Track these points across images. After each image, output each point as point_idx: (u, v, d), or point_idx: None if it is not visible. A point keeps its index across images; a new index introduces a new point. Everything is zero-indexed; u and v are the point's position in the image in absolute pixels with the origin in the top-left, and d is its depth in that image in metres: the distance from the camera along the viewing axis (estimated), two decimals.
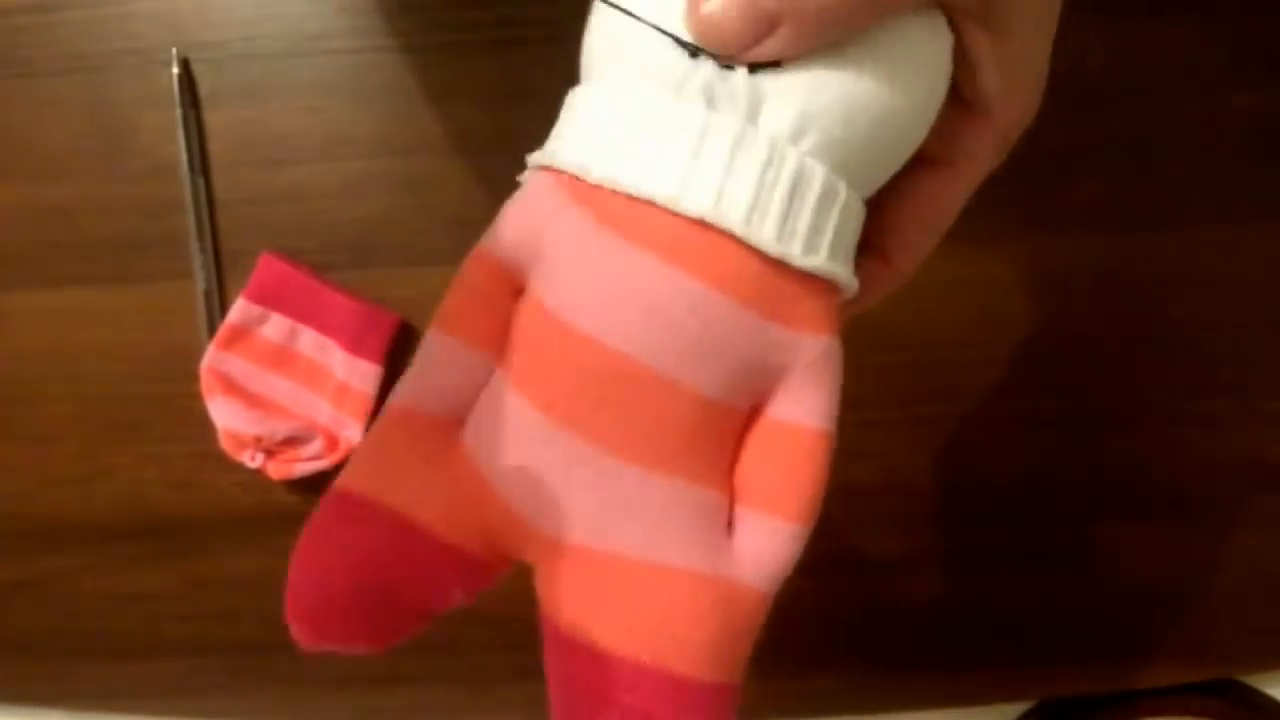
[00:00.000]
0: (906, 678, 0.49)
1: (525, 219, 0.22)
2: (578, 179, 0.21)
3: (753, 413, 0.22)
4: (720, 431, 0.22)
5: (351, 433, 0.48)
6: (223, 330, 0.48)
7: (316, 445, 0.48)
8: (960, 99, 0.24)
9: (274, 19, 0.47)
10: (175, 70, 0.47)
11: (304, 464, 0.48)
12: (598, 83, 0.22)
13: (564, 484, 0.21)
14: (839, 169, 0.21)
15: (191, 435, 0.49)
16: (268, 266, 0.48)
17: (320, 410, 0.48)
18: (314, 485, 0.48)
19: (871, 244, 0.25)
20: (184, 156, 0.47)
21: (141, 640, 0.50)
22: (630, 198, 0.20)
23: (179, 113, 0.47)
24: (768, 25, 0.20)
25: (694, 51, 0.20)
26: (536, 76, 0.45)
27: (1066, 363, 0.47)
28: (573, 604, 0.21)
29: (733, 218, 0.20)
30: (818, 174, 0.21)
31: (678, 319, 0.20)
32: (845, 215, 0.22)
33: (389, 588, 0.21)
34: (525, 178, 0.23)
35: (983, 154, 0.25)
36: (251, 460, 0.48)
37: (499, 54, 0.46)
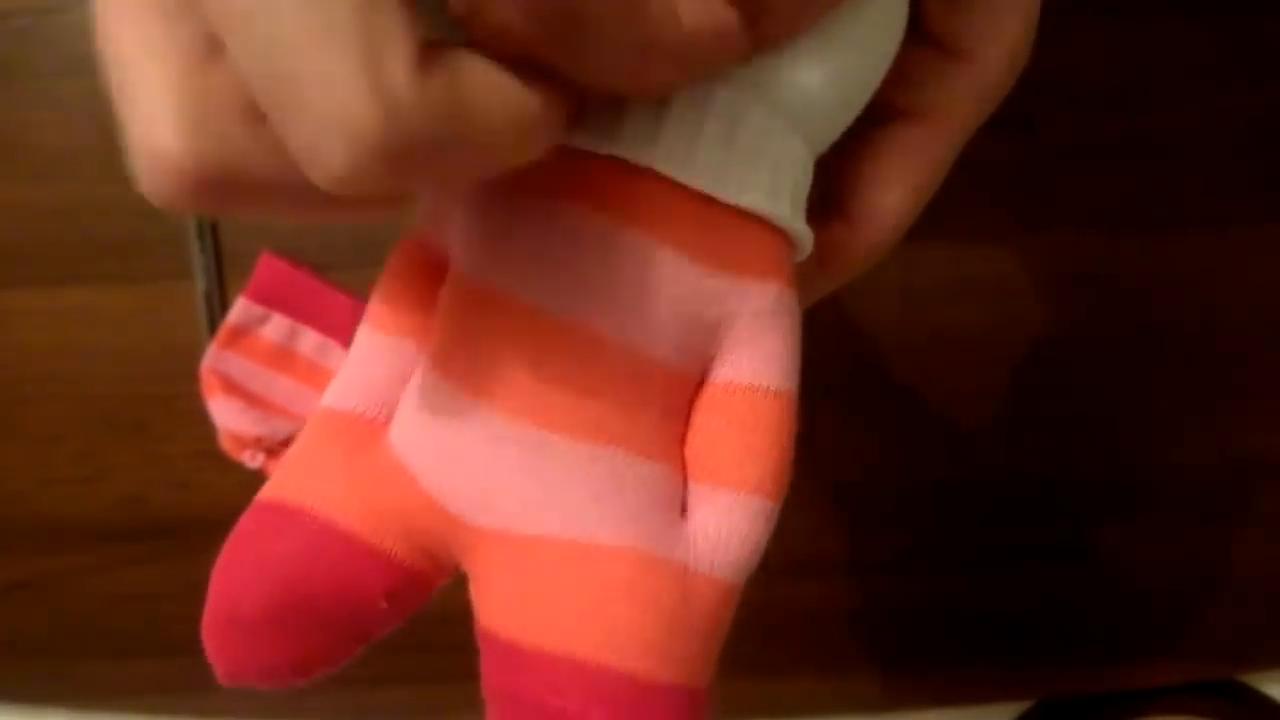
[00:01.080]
0: (907, 678, 0.49)
1: (444, 195, 0.20)
2: None
3: (699, 378, 0.20)
4: (665, 397, 0.19)
5: None
6: (223, 330, 0.48)
7: None
8: (934, 39, 0.21)
9: None
10: None
11: None
12: None
13: (487, 464, 0.19)
14: (775, 106, 0.19)
15: (192, 435, 0.49)
16: (268, 266, 0.48)
17: None
18: None
19: (840, 206, 0.23)
20: None
21: (141, 640, 0.50)
22: (558, 148, 0.18)
23: None
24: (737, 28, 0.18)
25: None
26: None
27: (1067, 363, 0.47)
28: (499, 600, 0.19)
29: (657, 156, 0.18)
30: (751, 111, 0.19)
31: (596, 265, 0.18)
32: (784, 155, 0.19)
33: (308, 598, 0.19)
34: None
35: (960, 106, 0.22)
36: (252, 460, 0.48)
37: None
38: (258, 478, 0.48)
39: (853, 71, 0.20)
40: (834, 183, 0.22)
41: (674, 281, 0.18)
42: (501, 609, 0.19)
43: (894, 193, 0.23)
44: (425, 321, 0.20)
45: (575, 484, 0.18)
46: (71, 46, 0.48)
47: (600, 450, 0.18)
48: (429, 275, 0.20)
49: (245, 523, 0.20)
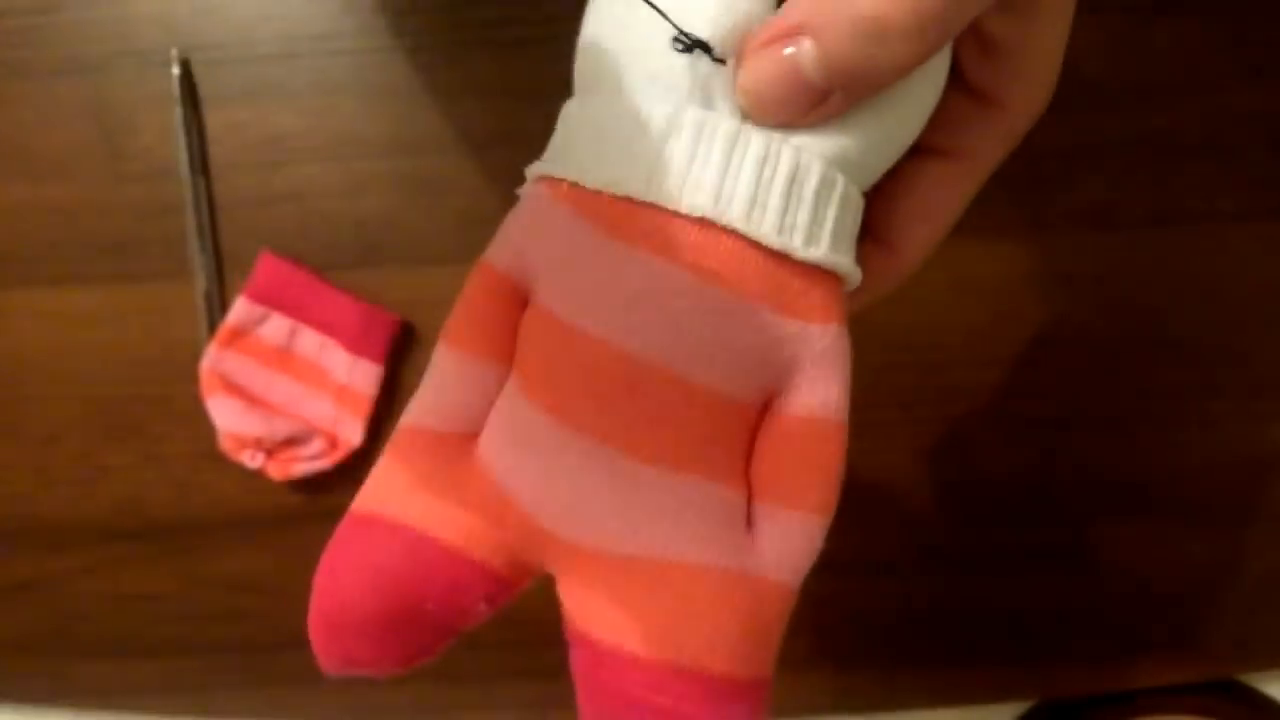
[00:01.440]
0: (907, 678, 0.49)
1: (526, 229, 0.22)
2: (576, 186, 0.21)
3: (765, 407, 0.22)
4: (733, 427, 0.21)
5: (352, 433, 0.48)
6: (223, 330, 0.48)
7: (317, 445, 0.48)
8: (969, 88, 0.23)
9: (274, 19, 0.47)
10: (175, 71, 0.47)
11: (304, 464, 0.48)
12: (592, 93, 0.22)
13: (580, 489, 0.21)
14: (835, 160, 0.21)
15: (191, 435, 0.49)
16: (268, 266, 0.48)
17: (321, 410, 0.48)
18: (315, 485, 0.48)
19: (877, 235, 0.25)
20: (184, 157, 0.47)
21: (141, 640, 0.50)
22: (630, 201, 0.20)
23: (179, 113, 0.47)
24: (819, 97, 0.20)
25: (688, 48, 0.20)
26: (538, 76, 0.45)
27: (1066, 363, 0.47)
28: (597, 609, 0.21)
29: (733, 214, 0.20)
30: (814, 166, 0.21)
31: (683, 316, 0.20)
32: (844, 206, 0.21)
33: (413, 606, 0.21)
34: (524, 189, 0.23)
35: (990, 146, 0.24)
36: (252, 460, 0.48)
37: (501, 54, 0.46)
38: (256, 478, 0.48)
39: (903, 123, 0.22)
40: (871, 213, 0.24)
41: (749, 330, 0.21)
42: (600, 617, 0.21)
43: (928, 225, 0.25)
44: (505, 346, 0.22)
45: (659, 508, 0.21)
46: (71, 46, 0.48)
47: (681, 478, 0.21)
48: (508, 303, 0.22)
49: (344, 531, 0.22)
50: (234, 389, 0.48)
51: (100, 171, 0.48)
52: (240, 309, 0.48)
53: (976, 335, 0.47)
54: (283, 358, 0.49)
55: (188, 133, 0.47)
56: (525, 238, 0.22)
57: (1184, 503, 0.47)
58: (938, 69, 0.22)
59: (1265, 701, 0.48)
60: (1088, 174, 0.46)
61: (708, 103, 0.21)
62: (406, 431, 0.22)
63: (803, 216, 0.21)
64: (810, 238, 0.21)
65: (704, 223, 0.20)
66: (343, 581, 0.22)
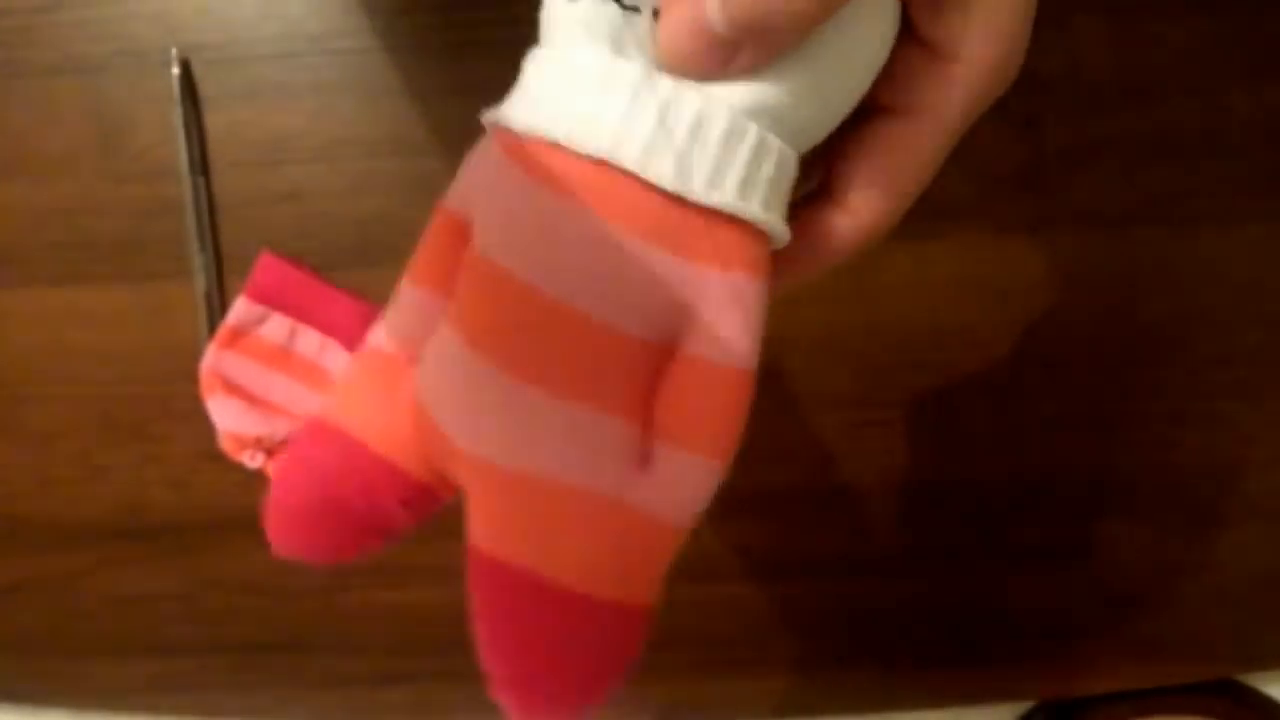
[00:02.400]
0: (907, 678, 0.49)
1: (468, 172, 0.24)
2: (506, 130, 0.23)
3: (668, 350, 0.22)
4: (632, 364, 0.22)
5: None
6: (222, 330, 0.48)
7: None
8: (922, 40, 0.22)
9: (274, 19, 0.47)
10: (175, 70, 0.47)
11: None
12: (541, 44, 0.24)
13: (484, 410, 0.22)
14: (750, 110, 0.21)
15: (191, 435, 0.49)
16: (267, 266, 0.48)
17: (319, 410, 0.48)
18: None
19: (836, 198, 0.24)
20: (184, 157, 0.47)
21: (141, 640, 0.50)
22: (542, 142, 0.22)
23: (179, 113, 0.47)
24: (729, 50, 0.20)
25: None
26: None
27: (1066, 363, 0.47)
28: (483, 519, 0.23)
29: (629, 157, 0.21)
30: (720, 113, 0.21)
31: (580, 253, 0.21)
32: (758, 155, 0.22)
33: (341, 501, 0.24)
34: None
35: (947, 107, 0.23)
36: (251, 460, 0.48)
37: (499, 54, 0.46)
38: (257, 478, 0.48)
39: (838, 78, 0.22)
40: (830, 175, 0.23)
41: (644, 272, 0.21)
42: (485, 526, 0.22)
43: (885, 187, 0.24)
44: (449, 280, 0.24)
45: (548, 431, 0.22)
46: (70, 46, 0.48)
47: (572, 406, 0.22)
48: (456, 241, 0.24)
49: (301, 432, 0.25)
50: (234, 389, 0.48)
51: (100, 171, 0.48)
52: (240, 309, 0.48)
53: (977, 335, 0.47)
54: (282, 358, 0.49)
55: (188, 133, 0.47)
56: (467, 178, 0.24)
57: (1184, 503, 0.47)
58: (875, 21, 0.22)
59: (1265, 701, 0.48)
60: (1088, 174, 0.46)
61: (621, 50, 0.21)
62: (364, 350, 0.25)
63: (704, 161, 0.21)
64: (711, 183, 0.21)
65: (602, 164, 0.21)
66: (289, 474, 0.25)
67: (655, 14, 0.21)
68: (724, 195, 0.21)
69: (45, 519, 0.50)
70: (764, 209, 0.22)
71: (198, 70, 0.48)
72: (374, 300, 0.48)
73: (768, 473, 0.48)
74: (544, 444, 0.22)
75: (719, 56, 0.20)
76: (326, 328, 0.48)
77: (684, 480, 0.22)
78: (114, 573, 0.50)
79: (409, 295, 0.25)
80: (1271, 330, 0.47)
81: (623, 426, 0.22)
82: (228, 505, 0.49)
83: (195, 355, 0.48)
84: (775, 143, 0.22)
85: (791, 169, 0.23)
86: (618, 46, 0.21)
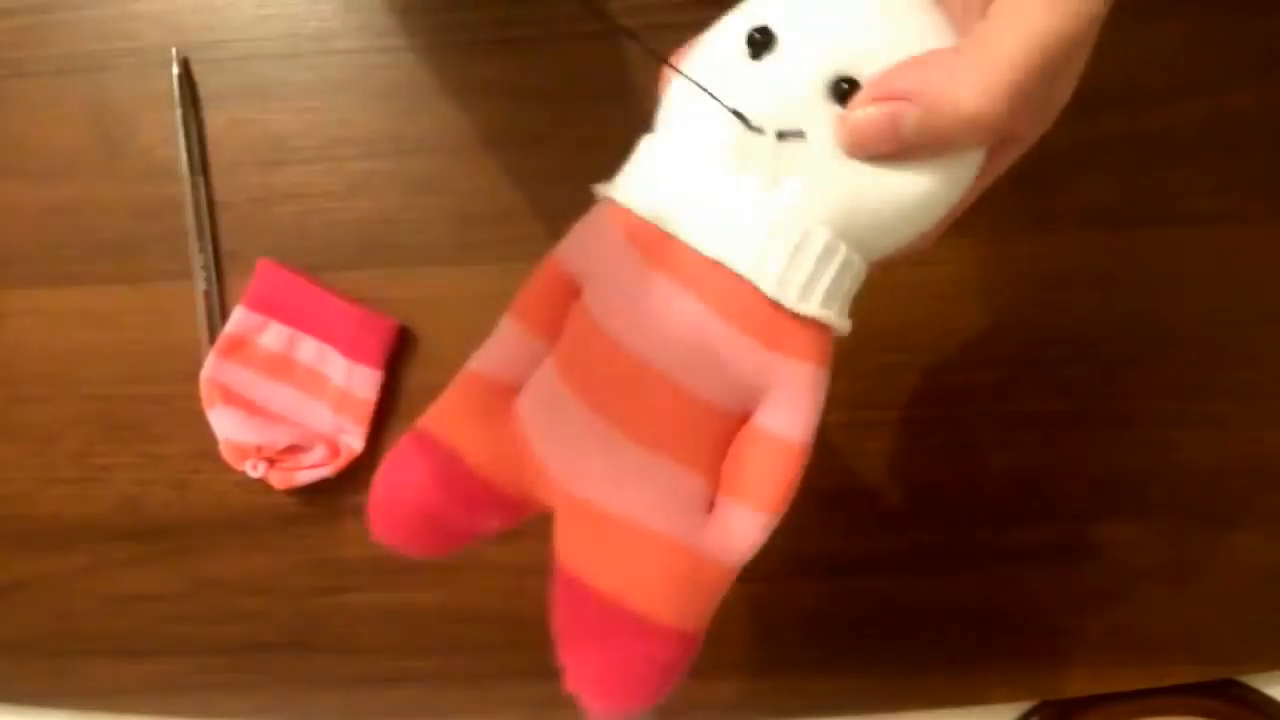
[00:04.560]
0: (906, 678, 0.49)
1: (585, 238, 0.27)
2: (627, 210, 0.26)
3: (744, 420, 0.26)
4: (712, 430, 0.26)
5: (352, 438, 0.48)
6: (222, 339, 0.48)
7: (318, 453, 0.48)
8: None
9: (274, 19, 0.47)
10: (175, 70, 0.47)
11: (306, 472, 0.48)
12: (663, 134, 0.27)
13: (581, 451, 0.26)
14: (841, 233, 0.25)
15: (191, 435, 0.49)
16: (266, 274, 0.48)
17: (321, 417, 0.48)
18: (314, 486, 0.48)
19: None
20: (184, 157, 0.47)
21: (141, 640, 0.50)
22: (666, 234, 0.25)
23: (179, 113, 0.47)
24: (903, 149, 0.24)
25: (742, 119, 0.25)
26: (536, 77, 0.45)
27: (1066, 363, 0.47)
28: (574, 546, 0.26)
29: (743, 262, 0.25)
30: (819, 237, 0.25)
31: (683, 334, 0.25)
32: (842, 271, 0.26)
33: (440, 508, 0.27)
34: (596, 202, 0.28)
35: (996, 167, 0.27)
36: (254, 470, 0.48)
37: (499, 54, 0.46)
38: (256, 479, 0.48)
39: (913, 214, 0.26)
40: None
41: (733, 351, 0.25)
42: (575, 552, 0.26)
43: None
44: (553, 327, 0.28)
45: (635, 478, 0.26)
46: (70, 46, 0.48)
47: (659, 460, 0.26)
48: (564, 293, 0.27)
49: (404, 441, 0.28)
50: (234, 399, 0.48)
51: (100, 171, 0.48)
52: (239, 318, 0.48)
53: (977, 335, 0.47)
54: (282, 366, 0.49)
55: (187, 132, 0.47)
56: (582, 244, 0.27)
57: (1184, 503, 0.47)
58: (964, 172, 0.26)
59: (1265, 701, 0.48)
60: (1088, 174, 0.46)
61: (744, 165, 0.25)
62: (467, 373, 0.28)
63: (800, 275, 0.25)
64: (804, 294, 0.25)
65: (719, 264, 0.25)
66: (393, 475, 0.28)
67: (779, 136, 0.24)
68: (811, 306, 0.25)
69: (45, 519, 0.50)
70: (839, 315, 0.26)
71: (198, 70, 0.48)
72: (374, 302, 0.48)
73: None
74: (630, 489, 0.26)
75: (892, 149, 0.24)
76: (325, 334, 0.48)
77: (742, 530, 0.26)
78: (114, 573, 0.50)
79: (513, 330, 0.28)
80: (1271, 330, 0.47)
81: (697, 480, 0.26)
82: (228, 505, 0.49)
83: (195, 355, 0.48)
84: (857, 260, 0.26)
85: (862, 277, 0.27)
86: (742, 159, 0.25)
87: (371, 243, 0.48)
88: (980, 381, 0.47)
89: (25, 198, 0.49)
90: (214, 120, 0.48)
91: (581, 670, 0.26)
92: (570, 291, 0.27)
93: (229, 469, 0.48)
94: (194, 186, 0.48)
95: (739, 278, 0.25)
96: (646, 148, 0.27)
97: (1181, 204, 0.46)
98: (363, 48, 0.47)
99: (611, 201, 0.27)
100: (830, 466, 0.48)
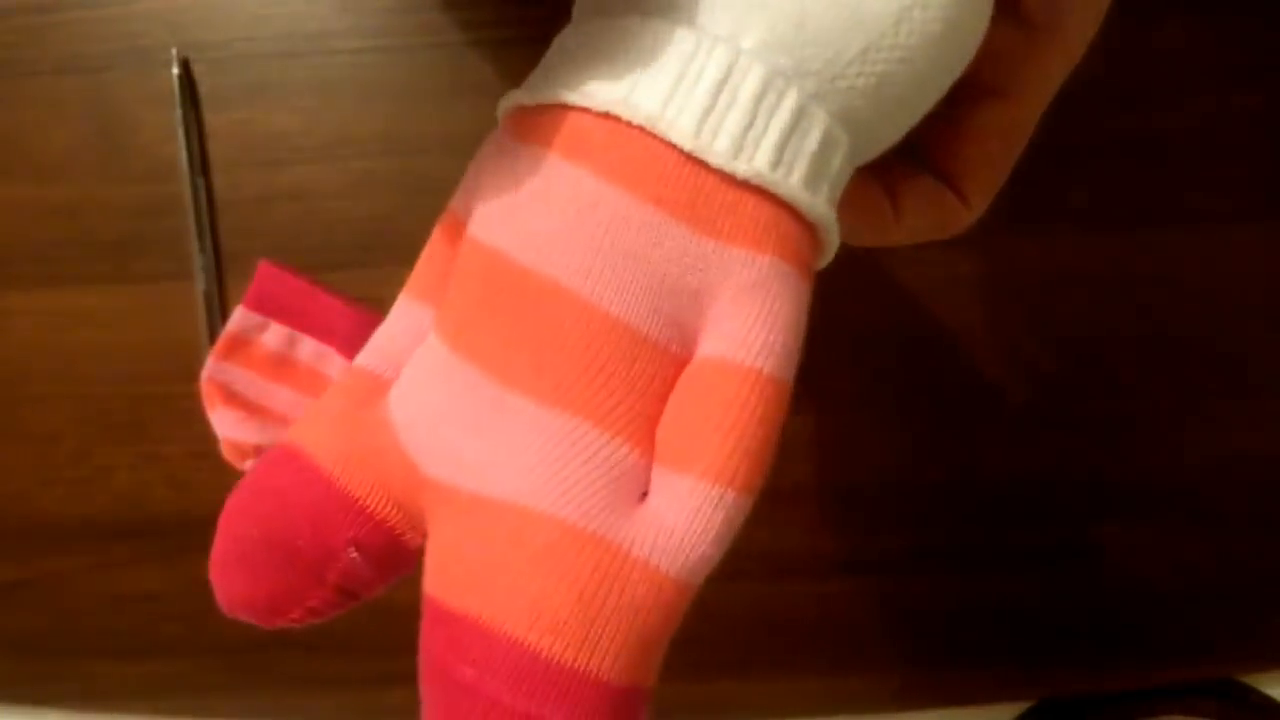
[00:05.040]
0: (906, 678, 0.49)
1: (474, 165, 0.21)
2: (520, 108, 0.19)
3: (685, 360, 0.18)
4: (633, 366, 0.18)
5: None
6: (222, 340, 0.48)
7: None
8: (1017, 18, 0.21)
9: (274, 19, 0.47)
10: (175, 70, 0.47)
11: None
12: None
13: (449, 419, 0.18)
14: (795, 71, 0.18)
15: (191, 435, 0.49)
16: (266, 275, 0.48)
17: None
18: None
19: (949, 182, 0.24)
20: (184, 156, 0.47)
21: (141, 640, 0.50)
22: (542, 106, 0.18)
23: (179, 113, 0.47)
24: None
25: None
26: None
27: (1066, 363, 0.47)
28: (437, 557, 0.18)
29: (643, 111, 0.17)
30: (755, 69, 0.18)
31: (577, 221, 0.18)
32: (799, 123, 0.18)
33: (286, 535, 0.20)
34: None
35: (1046, 81, 0.23)
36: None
37: (499, 54, 0.46)
38: None
39: (913, 78, 0.19)
40: (939, 160, 0.23)
41: (656, 245, 0.18)
42: (434, 566, 0.18)
43: (994, 172, 0.24)
44: (444, 288, 0.20)
45: (524, 446, 0.17)
46: (71, 46, 0.48)
47: (563, 417, 0.17)
48: (455, 244, 0.21)
49: (260, 462, 0.21)
50: (234, 399, 0.48)
51: (100, 171, 0.48)
52: (239, 318, 0.48)
53: (976, 335, 0.47)
54: (282, 366, 0.49)
55: (188, 132, 0.47)
56: (470, 174, 0.21)
57: (1184, 503, 0.47)
58: (964, 28, 0.19)
59: (1265, 701, 0.48)
60: (1087, 174, 0.46)
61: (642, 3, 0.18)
62: (349, 370, 0.22)
63: (733, 123, 0.17)
64: (740, 148, 0.17)
65: (611, 118, 0.18)
66: (240, 502, 0.21)
67: None
68: (753, 164, 0.18)
69: (45, 519, 0.50)
70: (805, 187, 0.18)
71: (198, 70, 0.48)
72: (374, 302, 0.48)
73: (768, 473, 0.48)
74: (522, 464, 0.17)
75: None
76: (326, 335, 0.48)
77: (689, 516, 0.17)
78: (114, 573, 0.50)
79: (403, 310, 0.22)
80: (1271, 330, 0.47)
81: (625, 451, 0.17)
82: None
83: (195, 355, 0.48)
84: (821, 115, 0.18)
85: (843, 153, 0.19)
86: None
87: (371, 243, 0.48)
88: (980, 382, 0.47)
89: (25, 198, 0.49)
90: (214, 120, 0.48)
91: None
92: (460, 237, 0.21)
93: (229, 469, 0.48)
94: (194, 186, 0.48)
95: (643, 132, 0.18)
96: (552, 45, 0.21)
97: (1181, 204, 0.46)
98: (363, 47, 0.47)
99: (506, 113, 0.21)
100: (830, 466, 0.48)
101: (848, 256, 0.46)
